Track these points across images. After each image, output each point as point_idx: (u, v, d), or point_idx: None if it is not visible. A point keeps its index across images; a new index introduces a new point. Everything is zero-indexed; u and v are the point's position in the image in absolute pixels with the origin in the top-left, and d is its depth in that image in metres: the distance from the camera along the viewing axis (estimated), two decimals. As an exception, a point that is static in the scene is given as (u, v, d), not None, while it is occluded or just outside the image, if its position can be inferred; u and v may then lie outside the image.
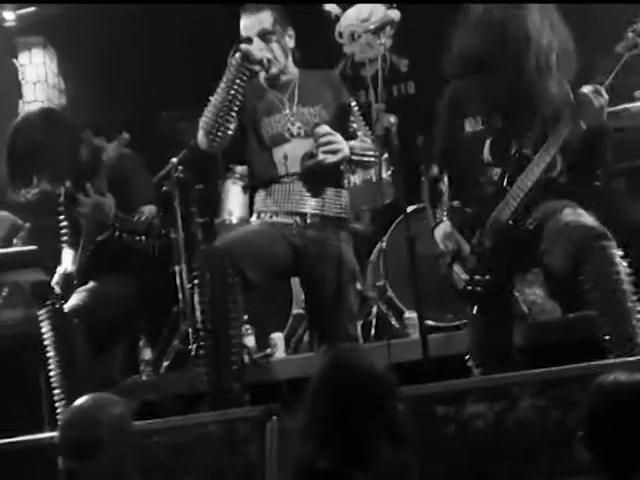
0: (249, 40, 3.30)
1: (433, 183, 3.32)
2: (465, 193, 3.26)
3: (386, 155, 4.37)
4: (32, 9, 5.46)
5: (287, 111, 3.36)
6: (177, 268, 4.54)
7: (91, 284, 3.59)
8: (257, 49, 3.27)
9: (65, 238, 3.64)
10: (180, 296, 4.54)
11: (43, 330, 3.39)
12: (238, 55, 3.21)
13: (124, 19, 5.44)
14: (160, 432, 2.78)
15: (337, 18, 5.79)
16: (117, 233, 3.37)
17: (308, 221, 3.30)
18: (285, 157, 3.32)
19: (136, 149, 3.91)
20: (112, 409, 2.23)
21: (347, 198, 3.45)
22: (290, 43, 3.41)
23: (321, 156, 3.21)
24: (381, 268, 4.45)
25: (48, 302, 3.41)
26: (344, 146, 3.25)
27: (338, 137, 3.25)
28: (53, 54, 5.79)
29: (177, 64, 5.39)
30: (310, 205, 3.30)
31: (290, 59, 3.43)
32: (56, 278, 3.59)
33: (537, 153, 3.08)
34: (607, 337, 2.84)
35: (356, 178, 4.63)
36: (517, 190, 3.08)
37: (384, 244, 4.42)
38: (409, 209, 3.83)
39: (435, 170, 3.33)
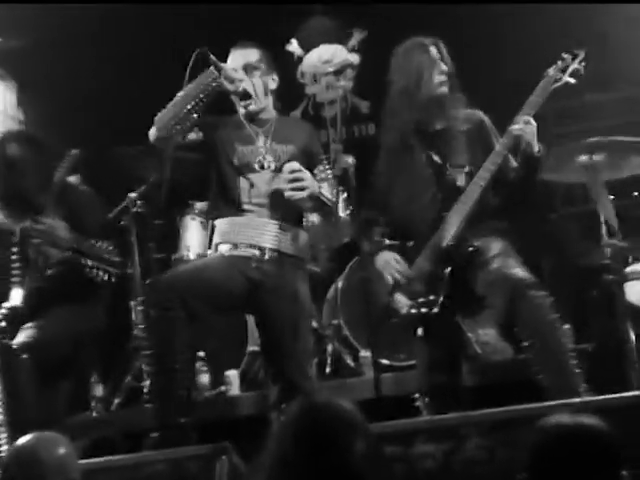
0: (234, 69, 3.37)
1: (365, 223, 3.41)
2: (403, 226, 3.32)
3: (345, 195, 4.43)
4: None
5: (261, 144, 3.40)
6: (132, 303, 4.51)
7: (40, 319, 3.55)
8: (236, 74, 3.34)
9: (16, 274, 3.60)
10: (134, 332, 4.51)
11: (-12, 366, 3.35)
12: (215, 69, 3.27)
13: (86, 54, 5.47)
14: (108, 471, 2.74)
15: (300, 59, 5.88)
16: (71, 256, 3.32)
17: (266, 256, 3.31)
18: (251, 185, 3.34)
19: (94, 183, 3.91)
20: (55, 448, 2.20)
21: (306, 238, 3.47)
22: (272, 85, 3.48)
23: (288, 192, 3.23)
24: (337, 307, 4.47)
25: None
26: (313, 184, 3.27)
27: (307, 174, 3.27)
28: (13, 85, 5.78)
29: (138, 99, 5.41)
30: (270, 240, 3.32)
31: (270, 100, 3.49)
32: (1, 313, 3.55)
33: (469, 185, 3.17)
34: (545, 384, 2.89)
35: (314, 217, 4.67)
36: (453, 218, 3.14)
37: (340, 283, 4.45)
38: (366, 249, 3.86)
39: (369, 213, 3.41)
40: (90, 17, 5.39)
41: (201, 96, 3.26)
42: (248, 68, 3.39)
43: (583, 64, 3.28)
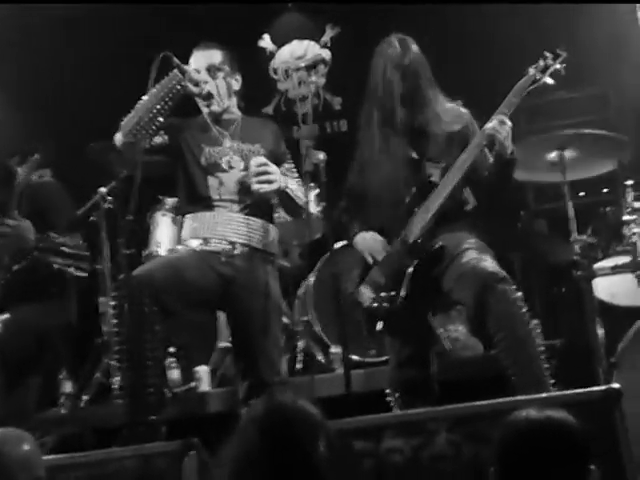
0: (197, 71, 3.36)
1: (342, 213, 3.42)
2: (376, 215, 3.32)
3: (316, 191, 4.43)
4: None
5: (227, 145, 3.40)
6: (102, 300, 4.48)
7: (6, 314, 3.52)
8: (199, 75, 3.33)
9: None
10: (104, 328, 4.48)
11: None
12: (179, 71, 3.26)
13: (55, 49, 5.42)
14: (75, 467, 2.71)
15: (272, 55, 5.86)
16: (38, 255, 3.30)
17: (236, 250, 3.30)
18: (220, 183, 3.34)
19: (64, 179, 3.88)
20: (20, 445, 2.17)
21: (276, 233, 3.47)
22: (236, 86, 3.47)
23: (255, 185, 3.24)
24: (308, 303, 4.46)
25: None
26: (279, 178, 3.29)
27: (274, 168, 3.28)
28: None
29: (107, 95, 5.37)
30: (239, 234, 3.31)
31: (234, 101, 3.48)
32: None
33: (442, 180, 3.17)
34: (514, 378, 2.90)
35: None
36: (423, 214, 3.15)
37: (311, 279, 4.44)
38: (336, 245, 3.86)
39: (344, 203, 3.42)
40: (56, 15, 5.35)
41: (166, 99, 3.24)
42: (211, 69, 3.39)
43: (564, 65, 3.24)
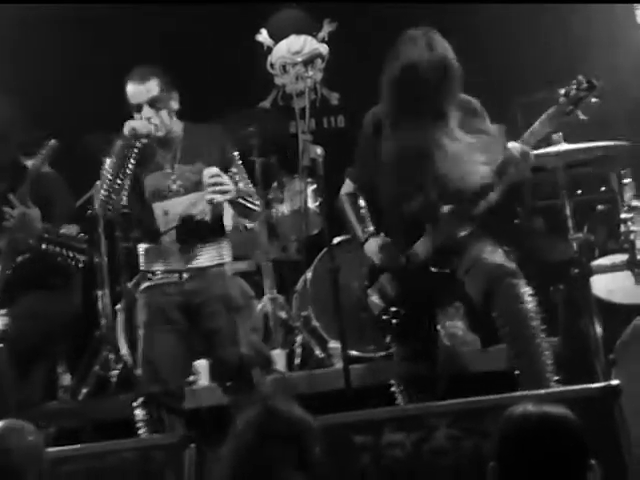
0: (139, 107, 3.34)
1: (352, 198, 3.38)
2: (385, 221, 3.32)
3: (314, 186, 4.43)
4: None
5: (168, 169, 3.40)
6: (100, 292, 4.48)
7: (13, 307, 3.53)
8: (143, 123, 3.31)
9: None
10: (102, 321, 4.48)
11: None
12: (127, 133, 3.26)
13: (53, 39, 5.41)
14: (75, 459, 2.72)
15: (269, 49, 5.86)
16: (43, 246, 3.31)
17: (184, 277, 3.35)
18: (165, 213, 3.37)
19: (61, 171, 3.87)
20: (24, 435, 2.18)
21: (227, 245, 3.47)
22: (175, 105, 3.44)
23: (209, 196, 3.24)
24: (306, 298, 4.47)
25: None
26: (231, 187, 3.29)
27: (226, 178, 3.28)
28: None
29: (104, 87, 5.36)
30: (186, 261, 3.35)
31: (174, 119, 3.46)
32: None
33: None
34: (517, 372, 2.92)
35: (284, 208, 4.67)
36: (439, 229, 3.14)
37: (310, 274, 4.45)
38: (335, 240, 3.87)
39: (351, 187, 3.39)
40: (56, 6, 5.34)
41: (125, 164, 3.26)
42: (153, 103, 3.34)
43: (597, 100, 3.08)
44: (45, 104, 5.33)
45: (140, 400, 3.22)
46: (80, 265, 3.41)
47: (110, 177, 3.27)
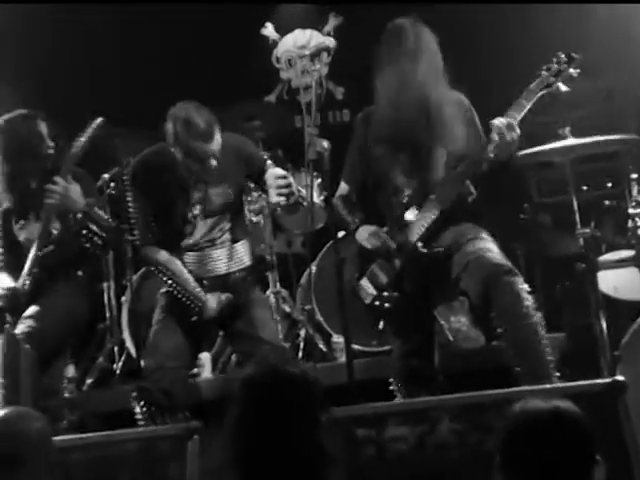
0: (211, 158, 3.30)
1: (345, 199, 3.43)
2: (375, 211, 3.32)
3: (319, 180, 4.42)
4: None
5: (197, 194, 3.38)
6: (105, 285, 4.49)
7: (38, 306, 3.52)
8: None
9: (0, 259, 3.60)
10: (107, 313, 4.48)
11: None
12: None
13: (63, 30, 5.41)
14: (79, 449, 2.73)
15: (275, 43, 5.85)
16: (81, 223, 3.30)
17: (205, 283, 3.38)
18: (190, 233, 3.40)
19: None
20: (32, 423, 2.18)
21: (246, 248, 3.49)
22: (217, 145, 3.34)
23: (275, 198, 3.20)
24: (310, 292, 4.46)
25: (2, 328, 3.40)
26: (295, 188, 3.23)
27: (291, 179, 3.22)
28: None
29: (112, 80, 5.36)
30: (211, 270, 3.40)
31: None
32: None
33: None
34: (518, 369, 2.91)
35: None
36: (426, 212, 3.15)
37: (314, 268, 4.44)
38: (339, 234, 3.87)
39: (345, 189, 3.41)
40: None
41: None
42: (216, 155, 3.29)
43: (578, 70, 3.16)
44: (53, 96, 5.34)
45: (135, 393, 3.21)
46: (105, 247, 3.40)
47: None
